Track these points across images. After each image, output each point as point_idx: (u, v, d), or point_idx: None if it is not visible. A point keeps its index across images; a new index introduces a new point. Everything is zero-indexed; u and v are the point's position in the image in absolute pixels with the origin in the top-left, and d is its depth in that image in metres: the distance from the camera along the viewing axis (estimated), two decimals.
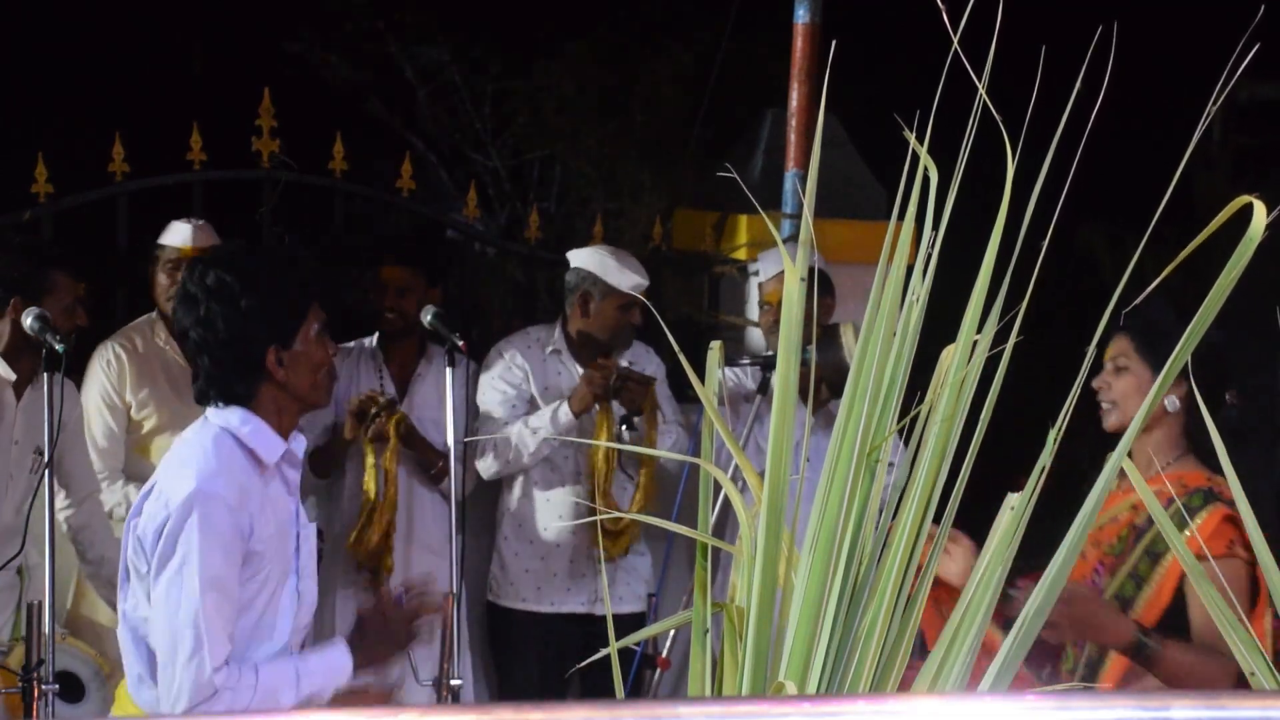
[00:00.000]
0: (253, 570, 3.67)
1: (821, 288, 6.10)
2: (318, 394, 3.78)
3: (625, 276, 5.91)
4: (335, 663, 3.81)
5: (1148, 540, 3.97)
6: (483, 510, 6.15)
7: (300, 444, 3.82)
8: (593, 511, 5.79)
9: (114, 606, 5.41)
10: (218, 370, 3.68)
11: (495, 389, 6.02)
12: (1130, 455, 4.09)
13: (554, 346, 6.04)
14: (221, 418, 3.70)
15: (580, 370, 5.99)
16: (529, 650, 6.07)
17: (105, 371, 5.72)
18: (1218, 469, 3.77)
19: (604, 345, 5.99)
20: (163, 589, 3.60)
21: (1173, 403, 4.02)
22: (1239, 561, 3.82)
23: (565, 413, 5.84)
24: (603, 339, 5.97)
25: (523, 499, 6.04)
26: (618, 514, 5.91)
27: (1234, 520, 3.85)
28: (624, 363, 6.03)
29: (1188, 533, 3.86)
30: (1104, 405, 4.09)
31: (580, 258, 6.04)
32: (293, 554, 3.77)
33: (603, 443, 5.83)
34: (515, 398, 6.00)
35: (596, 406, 5.88)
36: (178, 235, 5.78)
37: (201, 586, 3.56)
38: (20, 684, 4.50)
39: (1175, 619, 3.96)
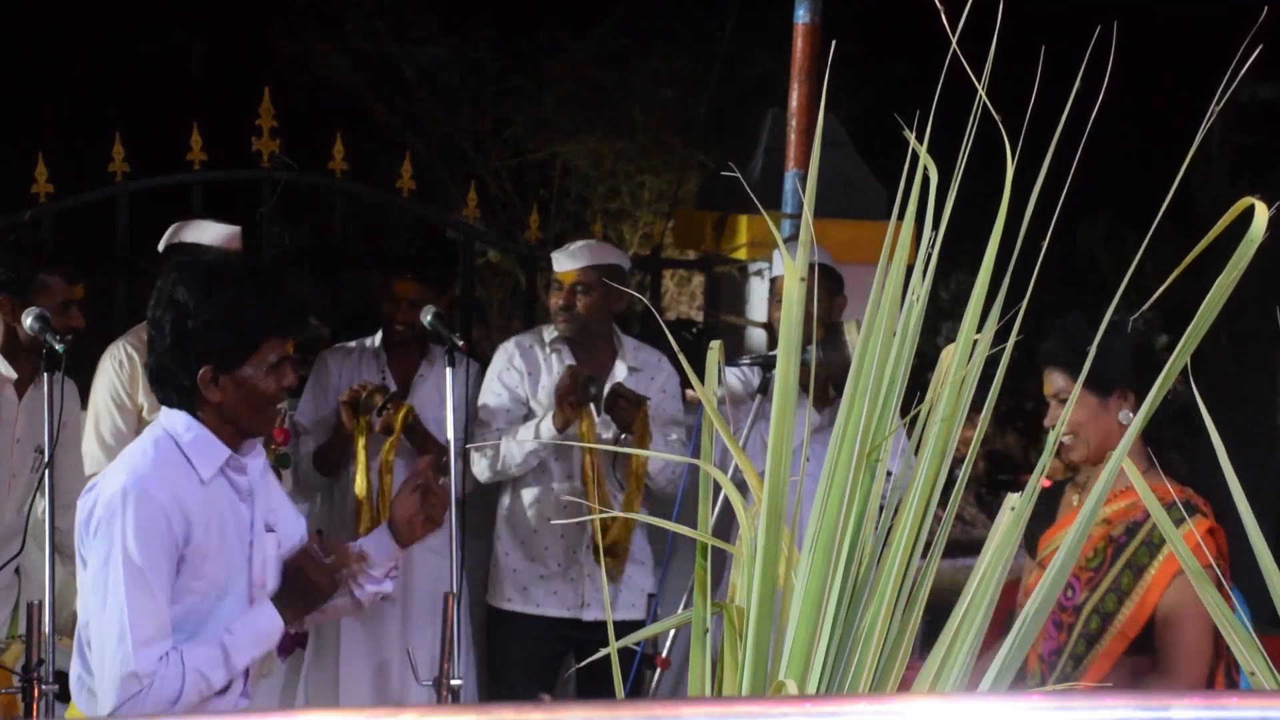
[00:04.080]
0: (194, 573, 3.68)
1: (834, 286, 6.09)
2: (255, 423, 3.77)
3: (556, 259, 5.98)
4: (263, 627, 3.78)
5: (1129, 553, 3.94)
6: (484, 510, 6.15)
7: (256, 455, 3.81)
8: (582, 511, 5.78)
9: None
10: (160, 373, 3.73)
11: (493, 391, 6.02)
12: (1079, 490, 4.03)
13: (553, 346, 6.03)
14: (169, 420, 3.74)
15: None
16: (514, 650, 6.06)
17: (117, 372, 5.69)
18: (1184, 480, 3.74)
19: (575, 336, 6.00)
20: (90, 581, 3.65)
21: (1127, 416, 3.94)
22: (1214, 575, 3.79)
23: (548, 428, 5.84)
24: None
25: (516, 499, 6.04)
26: (612, 514, 5.90)
27: (1214, 534, 3.83)
28: (628, 367, 6.03)
29: (1165, 550, 3.83)
30: (1064, 441, 4.01)
31: None
32: (245, 560, 3.77)
33: (587, 442, 5.81)
34: (511, 401, 6.00)
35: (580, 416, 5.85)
36: (220, 235, 5.69)
37: (126, 579, 3.59)
38: (20, 684, 4.49)
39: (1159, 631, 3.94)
